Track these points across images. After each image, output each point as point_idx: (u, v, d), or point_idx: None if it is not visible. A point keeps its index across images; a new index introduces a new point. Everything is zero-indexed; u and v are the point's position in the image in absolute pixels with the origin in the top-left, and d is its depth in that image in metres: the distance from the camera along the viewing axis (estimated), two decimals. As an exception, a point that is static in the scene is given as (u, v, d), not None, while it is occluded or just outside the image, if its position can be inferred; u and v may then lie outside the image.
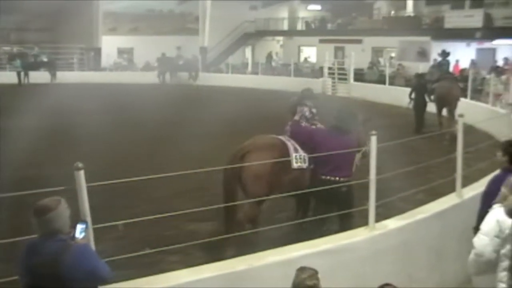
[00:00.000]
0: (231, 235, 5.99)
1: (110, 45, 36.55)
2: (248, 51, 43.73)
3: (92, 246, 4.04)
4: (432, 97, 16.09)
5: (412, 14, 36.20)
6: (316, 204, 6.97)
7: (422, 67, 23.19)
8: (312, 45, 39.43)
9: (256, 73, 33.65)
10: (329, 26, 39.75)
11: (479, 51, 30.31)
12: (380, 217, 5.99)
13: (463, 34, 29.07)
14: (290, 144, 6.90)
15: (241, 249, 5.81)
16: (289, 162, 6.71)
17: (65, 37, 34.21)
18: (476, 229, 4.97)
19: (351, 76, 27.47)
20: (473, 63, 26.43)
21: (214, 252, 6.26)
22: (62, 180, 4.13)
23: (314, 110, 7.90)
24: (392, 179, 6.66)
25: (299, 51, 40.56)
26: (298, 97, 8.28)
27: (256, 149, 6.74)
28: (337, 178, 6.54)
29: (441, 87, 15.69)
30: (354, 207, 6.45)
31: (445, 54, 17.85)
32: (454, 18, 29.93)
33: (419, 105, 16.38)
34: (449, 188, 6.99)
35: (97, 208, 4.33)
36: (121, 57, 38.33)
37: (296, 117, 7.65)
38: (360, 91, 25.70)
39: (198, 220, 7.83)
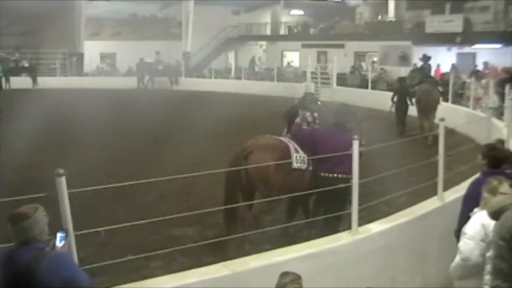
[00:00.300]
0: (216, 239, 5.99)
1: (92, 50, 36.32)
2: (231, 56, 43.72)
3: (74, 253, 4.01)
4: (413, 100, 16.28)
5: (393, 19, 36.50)
6: (316, 201, 7.16)
7: (404, 71, 23.41)
8: (295, 50, 39.54)
9: (239, 78, 33.63)
10: (311, 31, 39.90)
11: (460, 55, 30.62)
12: (363, 221, 6.02)
13: (443, 39, 29.37)
14: (291, 144, 7.05)
15: (225, 254, 5.82)
16: (290, 162, 6.81)
17: (47, 42, 33.94)
18: (458, 232, 5.01)
19: (334, 80, 27.56)
20: (453, 67, 26.66)
21: (198, 258, 6.26)
22: (44, 186, 4.10)
23: (316, 114, 8.27)
24: (375, 182, 6.70)
25: (282, 56, 40.65)
26: (299, 101, 8.55)
27: (258, 149, 6.90)
28: (336, 175, 6.70)
29: (421, 90, 15.88)
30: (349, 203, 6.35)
31: (426, 58, 18.17)
32: (434, 23, 30.21)
33: (401, 108, 16.63)
34: (431, 191, 7.04)
35: (81, 214, 4.31)
36: (103, 62, 38.08)
37: (298, 120, 7.91)
38: (343, 95, 25.70)
39: (182, 225, 7.82)
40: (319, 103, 8.92)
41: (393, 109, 16.94)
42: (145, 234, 7.31)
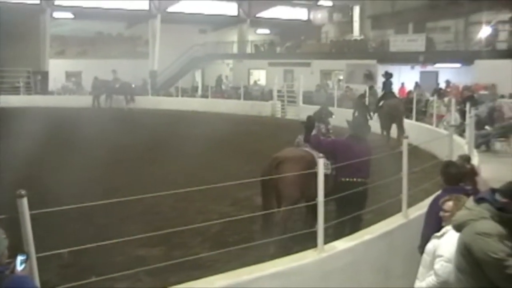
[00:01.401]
0: (183, 259, 5.95)
1: (58, 68, 35.85)
2: (198, 75, 43.75)
3: (35, 276, 3.93)
4: (371, 115, 16.72)
5: (358, 38, 37.08)
6: (337, 205, 7.48)
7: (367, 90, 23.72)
8: (261, 68, 39.77)
9: (206, 97, 33.64)
10: (278, 49, 40.29)
11: (423, 74, 31.21)
12: (330, 238, 6.05)
13: (407, 58, 29.96)
14: (315, 153, 7.72)
15: (191, 273, 5.78)
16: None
17: (11, 60, 33.36)
18: (421, 248, 5.07)
19: (300, 98, 27.78)
20: (417, 85, 27.15)
21: (164, 278, 6.20)
22: (5, 207, 4.02)
23: (330, 127, 9.66)
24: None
25: (248, 74, 40.82)
26: (315, 114, 9.44)
27: (288, 159, 7.73)
28: (355, 179, 7.48)
29: (388, 104, 16.25)
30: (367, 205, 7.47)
31: (388, 75, 18.67)
32: (398, 42, 30.84)
33: (362, 125, 16.85)
34: (396, 208, 7.12)
35: (44, 235, 4.23)
36: (69, 81, 37.66)
37: (314, 132, 8.48)
38: (309, 113, 25.95)
39: (147, 245, 7.74)
40: (333, 116, 10.33)
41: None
42: (110, 255, 7.20)
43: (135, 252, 7.64)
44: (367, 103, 19.21)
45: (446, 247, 4.43)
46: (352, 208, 7.05)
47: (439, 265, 4.46)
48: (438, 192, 5.80)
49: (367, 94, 20.74)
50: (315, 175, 6.79)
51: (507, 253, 3.69)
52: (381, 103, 17.21)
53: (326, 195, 6.61)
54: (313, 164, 7.09)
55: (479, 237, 3.75)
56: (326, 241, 5.79)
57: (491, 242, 3.71)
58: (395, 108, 16.51)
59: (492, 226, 3.79)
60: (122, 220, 9.20)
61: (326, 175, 7.02)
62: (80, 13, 35.27)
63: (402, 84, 28.15)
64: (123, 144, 16.91)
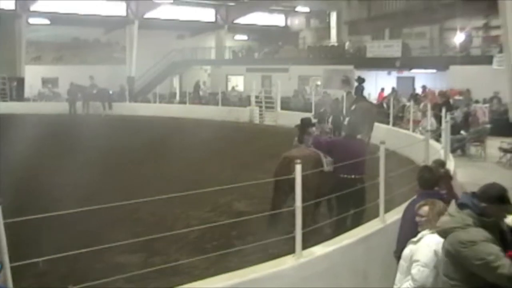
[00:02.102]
0: (163, 266, 5.94)
1: (34, 74, 35.47)
2: (176, 81, 43.62)
3: (10, 286, 3.88)
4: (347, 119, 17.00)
5: (335, 44, 37.35)
6: (337, 200, 8.14)
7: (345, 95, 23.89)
8: (239, 74, 39.79)
9: (184, 103, 33.56)
10: (256, 55, 40.39)
11: (400, 79, 31.54)
12: (308, 244, 6.07)
13: (384, 63, 30.26)
14: (319, 152, 8.56)
15: (170, 279, 5.77)
16: (322, 166, 8.37)
17: (-14, 66, 33.07)
18: (397, 253, 5.13)
19: (278, 104, 27.86)
20: (393, 90, 27.41)
21: (144, 284, 6.18)
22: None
23: (330, 126, 11.38)
24: (321, 204, 6.80)
25: (226, 80, 40.83)
26: (319, 116, 11.28)
27: (297, 158, 7.45)
28: (353, 176, 8.06)
29: (361, 107, 16.69)
30: (366, 200, 7.90)
31: (360, 80, 19.10)
32: (375, 48, 31.13)
33: (337, 128, 17.12)
34: (374, 213, 7.19)
35: (21, 243, 4.19)
36: (45, 87, 37.25)
37: (317, 132, 9.53)
38: (287, 119, 26.06)
39: (126, 252, 7.70)
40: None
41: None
42: (88, 263, 7.16)
43: (114, 259, 7.60)
44: (344, 107, 19.40)
45: (423, 252, 4.48)
46: (351, 202, 7.76)
47: (416, 269, 4.50)
48: (414, 197, 5.87)
49: (345, 99, 20.87)
50: (322, 173, 7.95)
51: (495, 254, 3.74)
52: (353, 107, 17.29)
53: (328, 190, 8.08)
54: (319, 162, 8.33)
55: (464, 247, 3.81)
56: (331, 237, 6.07)
57: (477, 249, 3.76)
58: (368, 111, 16.71)
59: (476, 233, 3.84)
60: (101, 226, 9.13)
61: (329, 172, 8.31)
62: (56, 18, 34.93)
63: (382, 89, 28.44)
64: (101, 151, 16.74)
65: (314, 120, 10.45)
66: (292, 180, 7.21)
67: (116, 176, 12.93)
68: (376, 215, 7.06)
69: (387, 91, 27.83)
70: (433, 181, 5.88)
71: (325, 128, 10.54)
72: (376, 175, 7.14)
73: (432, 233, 4.51)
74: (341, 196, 7.60)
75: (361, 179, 8.10)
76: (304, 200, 7.45)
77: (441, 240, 4.41)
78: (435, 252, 4.39)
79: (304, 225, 6.74)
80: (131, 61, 37.85)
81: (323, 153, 8.53)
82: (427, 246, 4.46)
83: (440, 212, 4.56)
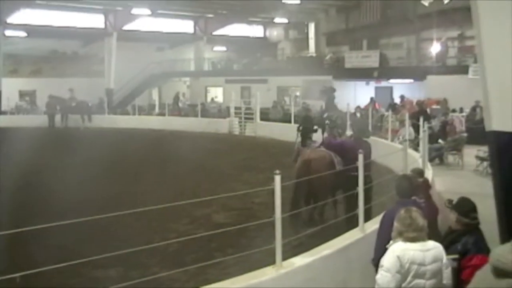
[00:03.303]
0: (141, 279, 5.87)
1: (11, 87, 35.05)
2: (155, 92, 43.53)
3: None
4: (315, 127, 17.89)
5: (314, 55, 37.58)
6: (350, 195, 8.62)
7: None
8: (218, 86, 39.87)
9: (163, 114, 33.44)
10: (235, 66, 40.47)
11: (378, 89, 31.81)
12: (288, 255, 6.05)
13: (362, 74, 30.52)
14: (332, 153, 9.77)
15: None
16: (335, 165, 9.45)
17: (-39, 80, 32.63)
18: (375, 261, 5.14)
19: (257, 115, 27.89)
20: (372, 100, 27.60)
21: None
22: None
23: (340, 130, 12.35)
24: (299, 216, 6.80)
25: (206, 92, 40.85)
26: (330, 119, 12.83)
27: (315, 159, 9.70)
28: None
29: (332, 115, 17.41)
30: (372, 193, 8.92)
31: (331, 90, 21.06)
32: (353, 59, 31.35)
33: (305, 134, 17.97)
34: (353, 223, 7.20)
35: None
36: (23, 100, 36.90)
37: (326, 134, 11.01)
38: (266, 130, 26.15)
39: (103, 266, 7.59)
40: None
41: (299, 139, 18.15)
42: (65, 277, 7.05)
43: (91, 274, 7.50)
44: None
45: (387, 258, 4.53)
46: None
47: (379, 274, 4.56)
48: (392, 205, 5.90)
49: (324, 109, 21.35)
50: (332, 169, 9.11)
51: None
52: (325, 115, 18.28)
53: (336, 187, 9.52)
54: (332, 161, 9.55)
55: None
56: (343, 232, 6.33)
57: None
58: (340, 119, 16.96)
59: None
60: (77, 240, 9.00)
61: (339, 171, 9.27)
62: (33, 31, 34.71)
63: (372, 98, 28.62)
64: (77, 164, 16.57)
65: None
66: (312, 180, 8.78)
67: (93, 190, 12.77)
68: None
69: (363, 101, 27.94)
70: (411, 190, 5.92)
71: (334, 132, 11.75)
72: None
73: (396, 239, 4.55)
74: (351, 188, 8.25)
75: (368, 176, 8.80)
76: (320, 195, 9.56)
77: (406, 247, 4.45)
78: (398, 258, 4.42)
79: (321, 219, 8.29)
80: (109, 74, 37.70)
81: (334, 153, 9.83)
82: (392, 252, 4.50)
83: (405, 223, 4.57)
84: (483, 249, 4.84)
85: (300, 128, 18.49)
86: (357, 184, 7.74)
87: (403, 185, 5.91)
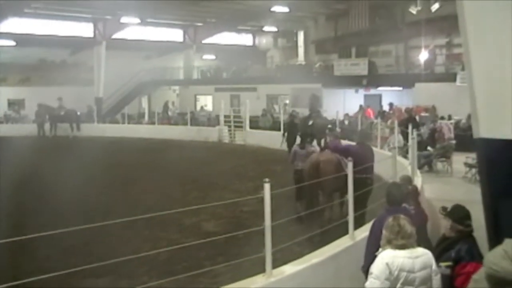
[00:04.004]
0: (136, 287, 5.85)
1: (-1, 96, 35.01)
2: (144, 101, 43.43)
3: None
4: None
5: (303, 63, 37.68)
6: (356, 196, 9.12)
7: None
8: (208, 94, 39.84)
9: (153, 123, 33.38)
10: (224, 74, 40.49)
11: (367, 97, 31.96)
12: (278, 263, 6.04)
13: (351, 81, 30.63)
14: (338, 155, 10.24)
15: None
16: (342, 167, 9.70)
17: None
18: (365, 268, 5.14)
19: (247, 123, 27.89)
20: (361, 108, 27.69)
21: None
22: None
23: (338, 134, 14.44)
24: (288, 224, 6.80)
25: (195, 100, 40.80)
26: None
27: (323, 161, 10.19)
28: (365, 176, 9.46)
29: (317, 122, 18.56)
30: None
31: (315, 97, 22.32)
32: (342, 66, 31.45)
33: (291, 140, 19.13)
34: (343, 230, 7.21)
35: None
36: (11, 109, 36.69)
37: (329, 138, 11.55)
38: (256, 138, 26.16)
39: (92, 276, 7.55)
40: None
41: (285, 143, 19.69)
42: (53, 288, 6.98)
43: (80, 284, 7.44)
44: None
45: (376, 265, 4.53)
46: (364, 195, 9.06)
47: (368, 282, 4.56)
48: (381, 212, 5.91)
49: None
50: (340, 171, 9.38)
51: None
52: (310, 122, 18.84)
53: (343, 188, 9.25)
54: (339, 163, 9.99)
55: None
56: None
57: None
58: (323, 126, 17.74)
59: None
60: (66, 250, 8.95)
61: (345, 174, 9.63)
62: (22, 40, 34.59)
63: (368, 106, 28.70)
64: (66, 173, 16.49)
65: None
66: (321, 180, 9.34)
67: (82, 199, 12.70)
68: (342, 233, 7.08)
69: (352, 109, 28.06)
70: (401, 198, 5.94)
71: (338, 135, 13.16)
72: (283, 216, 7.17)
73: (386, 248, 4.55)
74: (357, 190, 8.77)
75: (371, 177, 9.81)
76: (328, 195, 10.11)
77: (395, 254, 4.46)
78: (387, 265, 4.43)
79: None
80: (99, 82, 37.61)
81: (339, 156, 10.36)
82: (381, 259, 4.51)
83: (393, 230, 4.59)
84: (477, 256, 4.86)
85: (285, 134, 19.75)
86: (363, 185, 8.96)
87: (393, 192, 5.93)
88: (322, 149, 11.24)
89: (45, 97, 32.27)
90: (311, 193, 10.15)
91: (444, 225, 5.27)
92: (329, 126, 16.83)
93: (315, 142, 15.02)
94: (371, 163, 10.06)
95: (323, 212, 9.80)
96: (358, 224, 7.54)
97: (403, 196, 6.06)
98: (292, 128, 19.78)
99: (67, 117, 31.70)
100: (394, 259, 4.44)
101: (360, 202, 9.02)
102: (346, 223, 7.19)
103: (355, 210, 8.74)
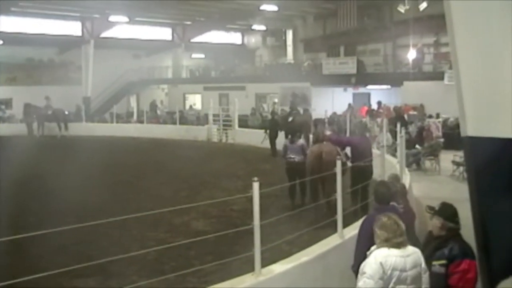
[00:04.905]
0: (125, 287, 5.84)
1: (-14, 96, 34.72)
2: (133, 100, 43.31)
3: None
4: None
5: (292, 61, 37.73)
6: (355, 180, 10.74)
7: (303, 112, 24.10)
8: (196, 93, 39.78)
9: (142, 122, 33.26)
10: (213, 73, 40.47)
11: (356, 95, 32.05)
12: (267, 262, 6.05)
13: (339, 80, 30.69)
14: (336, 147, 11.30)
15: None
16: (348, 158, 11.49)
17: None
18: (354, 267, 5.15)
19: (236, 122, 27.86)
20: (350, 106, 27.76)
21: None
22: None
23: (336, 128, 16.33)
24: (277, 223, 6.81)
25: (184, 99, 40.73)
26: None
27: (326, 151, 10.90)
28: (366, 163, 10.82)
29: (299, 119, 20.18)
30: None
31: (294, 95, 24.32)
32: (330, 65, 31.50)
33: (272, 136, 21.17)
34: (332, 229, 7.24)
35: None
36: (-1, 108, 36.43)
37: (328, 132, 12.25)
38: (245, 137, 26.13)
39: (82, 275, 7.53)
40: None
41: (267, 139, 21.54)
42: (43, 288, 6.95)
43: (70, 283, 7.40)
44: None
45: (369, 264, 4.54)
46: (362, 178, 10.34)
47: (361, 282, 4.56)
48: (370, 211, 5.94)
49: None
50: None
51: None
52: (290, 119, 20.44)
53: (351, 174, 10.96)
54: (339, 155, 10.61)
55: None
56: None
57: None
58: (305, 122, 19.63)
59: None
60: (55, 250, 8.91)
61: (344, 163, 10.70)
62: (9, 38, 34.30)
63: (364, 104, 28.78)
64: (55, 173, 16.41)
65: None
66: (325, 167, 9.84)
67: (70, 199, 12.64)
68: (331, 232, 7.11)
69: (341, 108, 28.12)
70: (389, 196, 5.97)
71: (335, 129, 14.94)
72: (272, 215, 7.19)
73: (382, 246, 4.57)
74: (362, 176, 10.58)
75: (371, 165, 11.11)
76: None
77: (389, 253, 4.48)
78: (381, 265, 4.45)
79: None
80: (87, 81, 37.44)
81: (341, 148, 11.54)
82: (374, 258, 4.52)
83: (388, 228, 4.62)
84: (469, 254, 4.89)
85: (267, 131, 21.41)
86: (364, 171, 10.68)
87: (381, 191, 5.96)
88: (317, 141, 11.64)
89: (33, 97, 32.00)
90: (314, 183, 10.81)
91: (432, 224, 5.28)
92: (326, 121, 19.90)
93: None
94: (371, 152, 11.63)
95: (328, 202, 10.15)
96: (363, 214, 7.84)
97: (391, 194, 6.09)
98: (274, 125, 21.37)
99: (54, 116, 31.43)
100: (387, 258, 4.47)
101: (363, 189, 10.19)
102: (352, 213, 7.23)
103: (361, 198, 10.17)
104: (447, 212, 5.19)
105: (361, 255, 5.11)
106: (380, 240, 4.64)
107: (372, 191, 6.70)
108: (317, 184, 10.79)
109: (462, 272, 4.81)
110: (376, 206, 5.85)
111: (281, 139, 19.89)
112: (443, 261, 4.91)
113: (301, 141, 12.73)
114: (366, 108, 27.84)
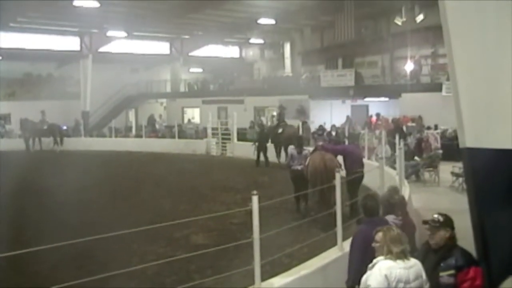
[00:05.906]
0: None
1: (-16, 111, 34.68)
2: (131, 114, 43.32)
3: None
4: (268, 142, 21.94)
5: (290, 74, 37.82)
6: (349, 186, 11.35)
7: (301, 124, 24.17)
8: (195, 106, 39.83)
9: (140, 136, 33.24)
10: (211, 87, 40.54)
11: (354, 107, 32.10)
12: (267, 275, 6.03)
13: (338, 92, 30.74)
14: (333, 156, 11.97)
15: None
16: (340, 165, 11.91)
17: None
18: (348, 282, 5.13)
19: (235, 135, 27.86)
20: (348, 119, 27.81)
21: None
22: None
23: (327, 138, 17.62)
24: (277, 236, 6.79)
25: (182, 113, 40.77)
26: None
27: (329, 159, 11.48)
28: (358, 170, 11.87)
29: (288, 130, 21.11)
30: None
31: (281, 107, 24.04)
32: (328, 77, 31.58)
33: (262, 147, 21.85)
34: (332, 241, 7.21)
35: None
36: (-3, 124, 36.40)
37: (320, 143, 13.13)
38: (244, 150, 26.11)
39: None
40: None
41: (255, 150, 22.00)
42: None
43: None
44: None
45: (374, 277, 4.52)
46: (357, 185, 11.67)
47: None
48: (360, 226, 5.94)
49: (301, 128, 23.19)
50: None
51: None
52: (280, 130, 21.47)
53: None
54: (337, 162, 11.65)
55: None
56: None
57: None
58: (294, 133, 20.03)
59: None
60: (54, 266, 8.87)
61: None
62: (7, 54, 34.36)
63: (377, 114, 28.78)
64: (53, 187, 16.35)
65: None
66: (329, 173, 10.38)
67: (69, 213, 12.61)
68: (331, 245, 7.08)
69: (339, 120, 28.15)
70: (378, 207, 5.98)
71: (326, 139, 16.72)
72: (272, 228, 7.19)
73: (385, 258, 4.56)
74: (355, 184, 11.57)
75: (362, 172, 11.98)
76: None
77: (392, 265, 4.47)
78: (386, 277, 4.44)
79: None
80: (85, 95, 37.51)
81: (335, 156, 12.07)
82: (379, 270, 4.51)
83: (393, 239, 4.62)
84: (474, 261, 4.89)
85: (256, 143, 22.11)
86: (357, 178, 11.50)
87: (369, 204, 5.96)
88: (313, 151, 12.45)
89: (31, 112, 32.02)
90: (322, 189, 10.95)
91: (439, 236, 5.16)
92: (320, 132, 21.90)
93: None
94: (362, 159, 12.98)
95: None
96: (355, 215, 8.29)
97: (379, 205, 6.09)
98: (262, 138, 22.20)
99: (50, 131, 31.38)
100: (391, 270, 4.47)
101: (353, 191, 11.27)
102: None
103: (350, 197, 10.86)
104: (451, 222, 5.18)
105: (355, 269, 5.09)
106: (382, 251, 4.63)
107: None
108: (325, 190, 10.89)
109: (472, 279, 4.81)
110: (366, 220, 5.83)
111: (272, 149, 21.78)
112: (452, 271, 4.88)
113: (306, 151, 13.03)
114: (374, 119, 27.89)
